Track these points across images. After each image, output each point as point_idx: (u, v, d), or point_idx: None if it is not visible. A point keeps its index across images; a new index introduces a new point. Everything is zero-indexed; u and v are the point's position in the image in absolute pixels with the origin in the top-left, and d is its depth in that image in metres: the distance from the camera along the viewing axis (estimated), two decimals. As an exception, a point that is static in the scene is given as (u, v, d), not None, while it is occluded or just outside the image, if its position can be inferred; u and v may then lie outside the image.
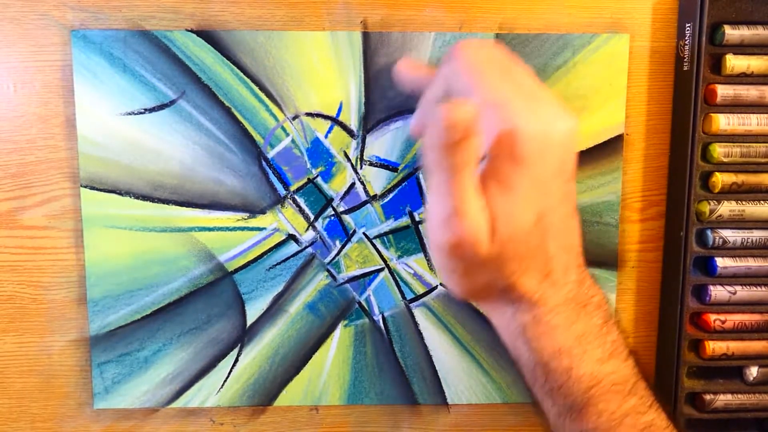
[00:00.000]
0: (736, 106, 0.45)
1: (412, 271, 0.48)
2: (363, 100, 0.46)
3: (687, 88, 0.44)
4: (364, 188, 0.47)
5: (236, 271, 0.48)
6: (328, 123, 0.46)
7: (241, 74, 0.45)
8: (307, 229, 0.47)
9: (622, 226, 0.48)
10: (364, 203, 0.47)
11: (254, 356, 0.49)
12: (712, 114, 0.45)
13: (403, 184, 0.47)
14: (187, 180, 0.46)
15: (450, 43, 0.45)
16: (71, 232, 0.46)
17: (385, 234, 0.48)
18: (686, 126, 0.45)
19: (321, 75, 0.45)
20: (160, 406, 0.49)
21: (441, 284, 0.48)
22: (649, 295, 0.49)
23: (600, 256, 0.48)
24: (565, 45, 0.45)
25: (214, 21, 0.45)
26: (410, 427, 0.49)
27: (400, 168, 0.47)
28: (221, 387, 0.49)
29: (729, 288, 0.46)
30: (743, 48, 0.45)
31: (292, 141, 0.46)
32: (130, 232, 0.46)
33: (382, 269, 0.48)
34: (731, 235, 0.46)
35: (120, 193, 0.45)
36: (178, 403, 0.49)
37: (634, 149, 0.47)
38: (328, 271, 0.48)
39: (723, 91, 0.44)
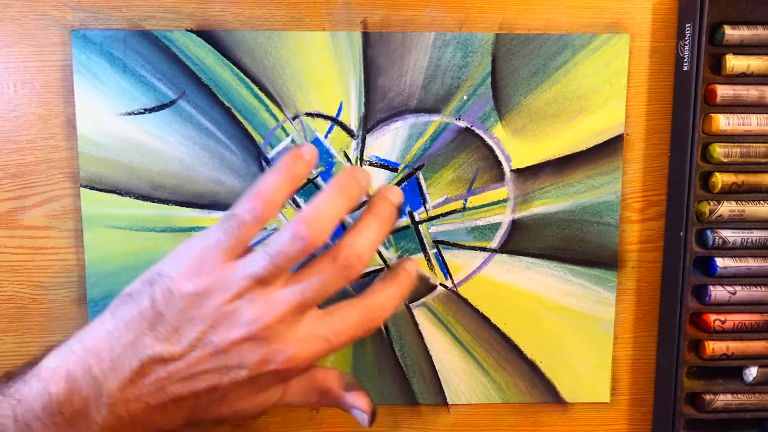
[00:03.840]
0: (736, 106, 0.45)
1: (412, 271, 0.48)
2: (363, 100, 0.46)
3: (687, 88, 0.44)
4: (364, 188, 0.47)
5: (236, 271, 0.47)
6: (328, 123, 0.46)
7: (241, 74, 0.45)
8: (307, 229, 0.47)
9: (622, 226, 0.48)
10: (364, 203, 0.47)
11: (254, 356, 0.48)
12: (712, 114, 0.45)
13: (403, 184, 0.47)
14: (187, 180, 0.46)
15: (450, 43, 0.45)
16: (71, 232, 0.46)
17: (385, 234, 0.48)
18: (686, 126, 0.45)
19: (321, 75, 0.45)
20: (160, 406, 0.49)
21: (441, 284, 0.48)
22: (649, 295, 0.49)
23: (600, 256, 0.48)
24: (565, 45, 0.45)
25: (214, 21, 0.45)
26: (410, 427, 0.49)
27: (400, 168, 0.47)
28: (221, 387, 0.49)
29: (729, 288, 0.46)
30: (743, 48, 0.45)
31: (292, 141, 0.46)
32: (130, 232, 0.46)
33: (381, 269, 0.48)
34: (731, 235, 0.46)
35: (120, 193, 0.45)
36: (178, 403, 0.49)
37: (634, 149, 0.47)
38: (328, 271, 0.48)
39: (723, 91, 0.44)
